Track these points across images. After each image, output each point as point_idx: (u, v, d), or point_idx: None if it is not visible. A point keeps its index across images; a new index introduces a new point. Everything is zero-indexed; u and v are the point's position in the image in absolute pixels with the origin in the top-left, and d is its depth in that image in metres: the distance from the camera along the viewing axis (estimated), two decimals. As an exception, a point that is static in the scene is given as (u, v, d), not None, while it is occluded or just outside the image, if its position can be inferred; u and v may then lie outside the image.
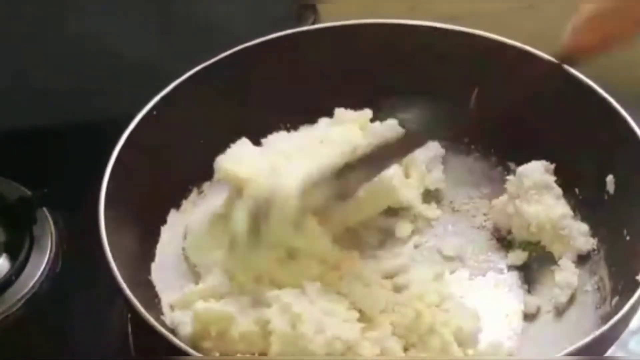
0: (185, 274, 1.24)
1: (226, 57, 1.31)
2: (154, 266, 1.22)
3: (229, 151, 1.25)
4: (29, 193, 1.36)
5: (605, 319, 1.06)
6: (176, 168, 1.28)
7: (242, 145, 1.27)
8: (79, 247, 1.33)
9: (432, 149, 1.34)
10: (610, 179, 1.19)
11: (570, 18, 1.55)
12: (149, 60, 1.45)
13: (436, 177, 1.33)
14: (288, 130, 1.35)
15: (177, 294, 1.19)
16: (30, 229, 1.33)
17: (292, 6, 1.51)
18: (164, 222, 1.27)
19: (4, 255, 1.31)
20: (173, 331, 1.14)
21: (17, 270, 1.29)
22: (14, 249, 1.31)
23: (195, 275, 1.23)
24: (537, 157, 1.27)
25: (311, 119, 1.35)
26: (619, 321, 1.03)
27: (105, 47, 1.46)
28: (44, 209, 1.36)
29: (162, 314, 1.17)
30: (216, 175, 1.25)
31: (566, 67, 1.24)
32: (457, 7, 1.47)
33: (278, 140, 1.30)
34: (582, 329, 1.12)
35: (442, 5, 1.48)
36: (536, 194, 1.24)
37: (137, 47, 1.47)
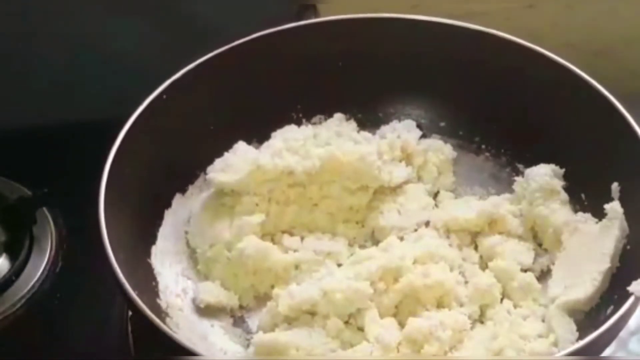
0: (184, 257, 1.25)
1: (238, 45, 1.31)
2: (154, 249, 1.23)
3: (220, 160, 1.26)
4: (29, 193, 1.37)
5: (597, 327, 1.05)
6: (184, 153, 1.28)
7: (237, 150, 1.28)
8: (79, 247, 1.34)
9: (444, 151, 1.34)
10: (615, 186, 1.18)
11: (569, 18, 1.57)
12: (150, 59, 1.45)
13: (447, 180, 1.34)
14: (299, 123, 1.35)
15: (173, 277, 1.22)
16: (30, 229, 1.34)
17: (292, 6, 1.51)
18: (169, 205, 1.27)
19: (4, 255, 1.31)
20: (167, 315, 1.15)
21: (17, 270, 1.29)
22: (14, 249, 1.31)
23: (195, 260, 1.25)
24: (547, 161, 1.27)
25: (322, 112, 1.36)
26: (605, 331, 1.03)
27: (105, 47, 1.47)
28: (44, 209, 1.36)
29: (158, 297, 1.17)
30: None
31: (574, 69, 1.26)
32: (457, 7, 1.47)
33: (287, 133, 1.30)
34: None
35: (443, 5, 1.47)
36: (541, 197, 1.24)
37: (138, 46, 1.48)
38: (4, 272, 1.29)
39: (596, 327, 1.04)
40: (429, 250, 1.20)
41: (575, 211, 1.24)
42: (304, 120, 1.36)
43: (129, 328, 1.25)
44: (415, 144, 1.34)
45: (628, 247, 1.15)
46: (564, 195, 1.25)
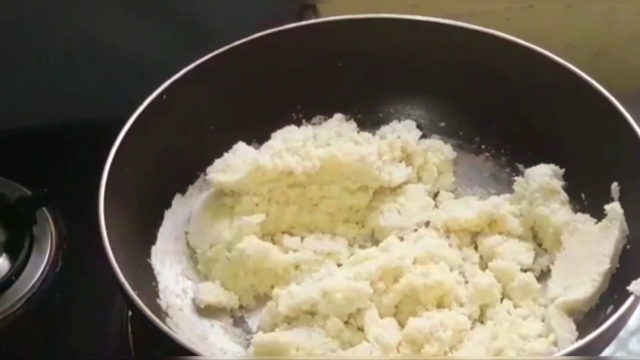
0: (184, 257, 1.25)
1: (238, 45, 1.31)
2: (154, 249, 1.23)
3: (219, 160, 1.26)
4: (29, 193, 1.37)
5: (597, 327, 1.05)
6: (183, 153, 1.28)
7: (237, 150, 1.28)
8: (79, 247, 1.34)
9: (444, 152, 1.34)
10: (615, 186, 1.18)
11: (569, 18, 1.57)
12: (150, 59, 1.45)
13: (447, 181, 1.34)
14: (299, 123, 1.35)
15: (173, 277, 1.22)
16: (30, 229, 1.34)
17: (292, 6, 1.51)
18: (169, 206, 1.27)
19: (4, 255, 1.31)
20: (167, 315, 1.15)
21: (17, 270, 1.29)
22: (14, 249, 1.31)
23: (195, 260, 1.25)
24: (547, 161, 1.26)
25: (322, 113, 1.36)
26: (605, 331, 1.03)
27: (105, 47, 1.47)
28: (44, 209, 1.36)
29: (158, 297, 1.18)
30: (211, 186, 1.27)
31: (574, 69, 1.25)
32: (457, 7, 1.47)
33: (287, 133, 1.30)
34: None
35: (443, 5, 1.48)
36: (541, 197, 1.24)
37: (138, 46, 1.48)
38: (4, 272, 1.29)
39: (596, 327, 1.04)
40: (429, 250, 1.20)
41: (575, 211, 1.24)
42: (304, 121, 1.36)
43: (129, 328, 1.25)
44: (415, 144, 1.34)
45: (628, 247, 1.14)
46: (564, 195, 1.25)
